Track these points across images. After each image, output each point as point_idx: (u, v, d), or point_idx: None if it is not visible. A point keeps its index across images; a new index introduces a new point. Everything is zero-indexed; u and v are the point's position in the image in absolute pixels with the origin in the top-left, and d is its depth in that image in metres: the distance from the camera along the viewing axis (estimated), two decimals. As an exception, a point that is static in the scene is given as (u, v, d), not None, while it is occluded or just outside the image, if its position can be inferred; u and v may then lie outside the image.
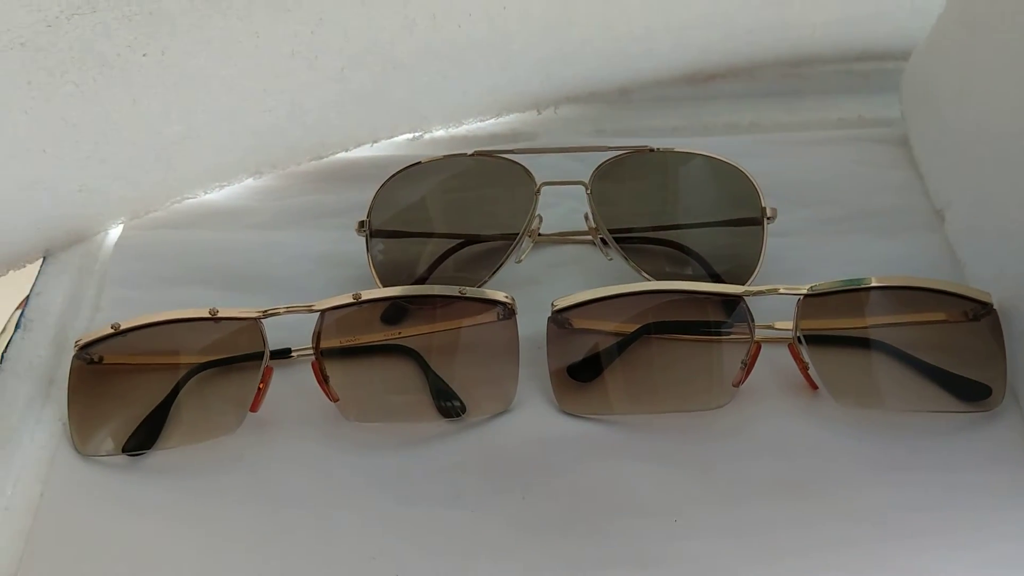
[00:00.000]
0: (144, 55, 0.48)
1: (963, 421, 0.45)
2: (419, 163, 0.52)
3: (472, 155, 0.52)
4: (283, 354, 0.49)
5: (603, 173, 0.51)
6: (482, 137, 0.61)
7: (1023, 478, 0.43)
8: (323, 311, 0.46)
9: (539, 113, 0.61)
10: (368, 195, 0.55)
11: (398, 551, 0.41)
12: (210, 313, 0.47)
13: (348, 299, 0.46)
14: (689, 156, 0.52)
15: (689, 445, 0.45)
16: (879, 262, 0.52)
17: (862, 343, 0.47)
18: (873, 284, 0.46)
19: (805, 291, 0.46)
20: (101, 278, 0.54)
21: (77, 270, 0.53)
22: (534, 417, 0.46)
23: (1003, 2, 0.50)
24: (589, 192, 0.51)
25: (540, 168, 0.53)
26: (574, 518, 0.42)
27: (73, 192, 0.51)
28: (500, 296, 0.47)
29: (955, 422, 0.45)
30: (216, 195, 0.57)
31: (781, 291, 0.46)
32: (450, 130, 0.60)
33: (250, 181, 0.57)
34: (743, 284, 0.50)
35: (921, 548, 0.40)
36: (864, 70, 0.63)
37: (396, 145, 0.60)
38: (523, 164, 0.51)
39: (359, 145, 0.58)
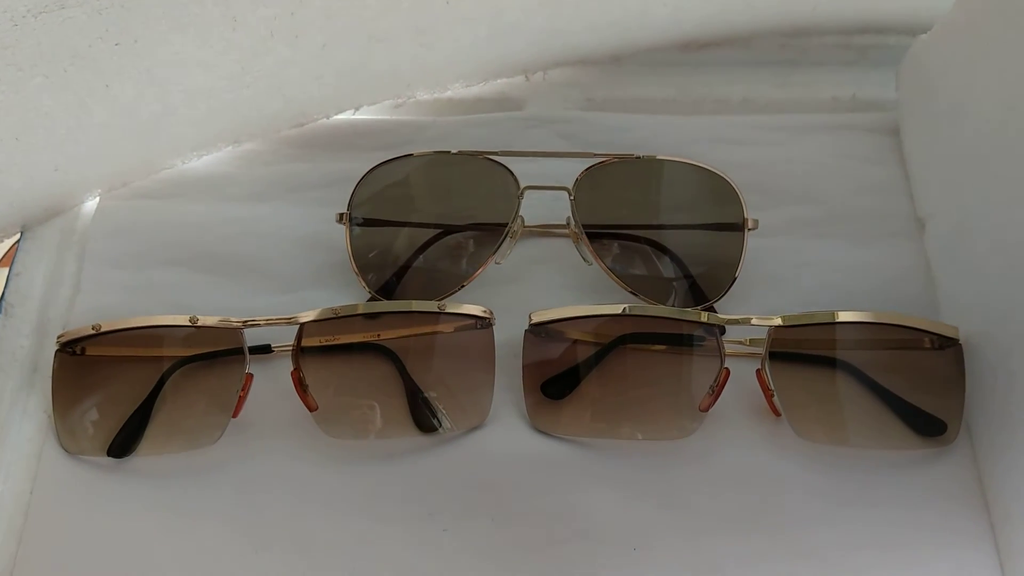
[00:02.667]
0: (116, 44, 0.46)
1: (918, 456, 0.47)
2: (401, 157, 0.51)
3: (456, 154, 0.51)
4: (263, 350, 0.50)
5: (587, 178, 0.50)
6: (468, 101, 0.59)
7: (968, 517, 0.45)
8: (303, 324, 0.47)
9: (527, 79, 0.59)
10: (349, 166, 0.55)
11: (373, 570, 0.44)
12: (190, 321, 0.47)
13: (328, 313, 0.47)
14: (674, 164, 0.51)
15: (654, 471, 0.46)
16: (856, 271, 0.53)
17: (828, 369, 0.48)
18: (843, 320, 0.47)
19: (776, 322, 0.47)
20: (80, 253, 0.53)
21: (56, 246, 0.53)
22: (507, 434, 0.47)
23: (1011, 10, 0.49)
24: (572, 198, 0.50)
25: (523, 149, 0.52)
26: (538, 543, 0.44)
27: (48, 173, 0.50)
28: (478, 311, 0.48)
29: (911, 456, 0.47)
30: (195, 164, 0.56)
31: (753, 322, 0.47)
32: (435, 95, 0.58)
33: (230, 148, 0.56)
34: (719, 289, 0.51)
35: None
36: (863, 44, 0.61)
37: (379, 110, 0.58)
38: (507, 167, 0.50)
39: (341, 111, 0.57)
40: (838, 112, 0.60)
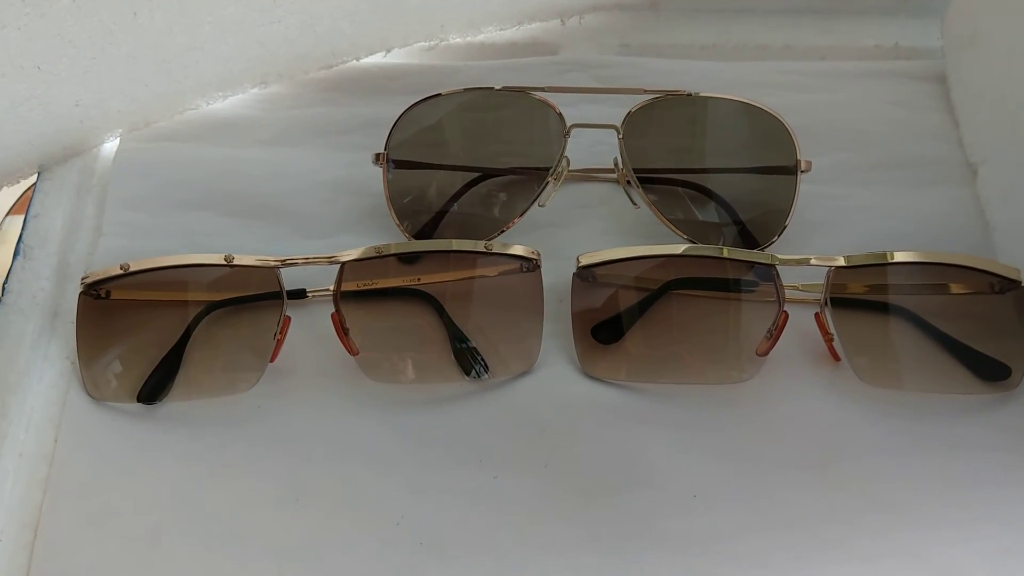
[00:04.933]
0: (147, -33, 0.44)
1: (983, 400, 0.45)
2: (439, 95, 0.49)
3: (500, 90, 0.48)
4: (298, 295, 0.48)
5: (636, 117, 0.48)
6: (501, 45, 0.57)
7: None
8: (344, 263, 0.45)
9: (563, 23, 0.57)
10: (381, 109, 0.53)
11: (422, 517, 0.42)
12: (225, 260, 0.45)
13: (371, 252, 0.44)
14: (726, 102, 0.49)
15: (711, 416, 0.44)
16: (908, 217, 0.51)
17: (888, 314, 0.46)
18: (904, 259, 0.45)
19: (839, 262, 0.45)
20: (101, 196, 0.51)
21: (75, 188, 0.50)
22: (557, 379, 0.45)
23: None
24: (621, 137, 0.48)
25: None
26: (594, 489, 0.42)
27: (69, 107, 0.48)
28: (526, 252, 0.46)
29: (975, 401, 0.45)
30: (219, 105, 0.53)
31: (813, 262, 0.45)
32: (468, 38, 0.56)
33: (255, 90, 0.54)
34: (771, 235, 0.49)
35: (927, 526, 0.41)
36: (905, -8, 0.60)
37: (410, 53, 0.56)
38: (553, 104, 0.48)
39: (371, 54, 0.54)
40: (881, 59, 0.58)
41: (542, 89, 0.48)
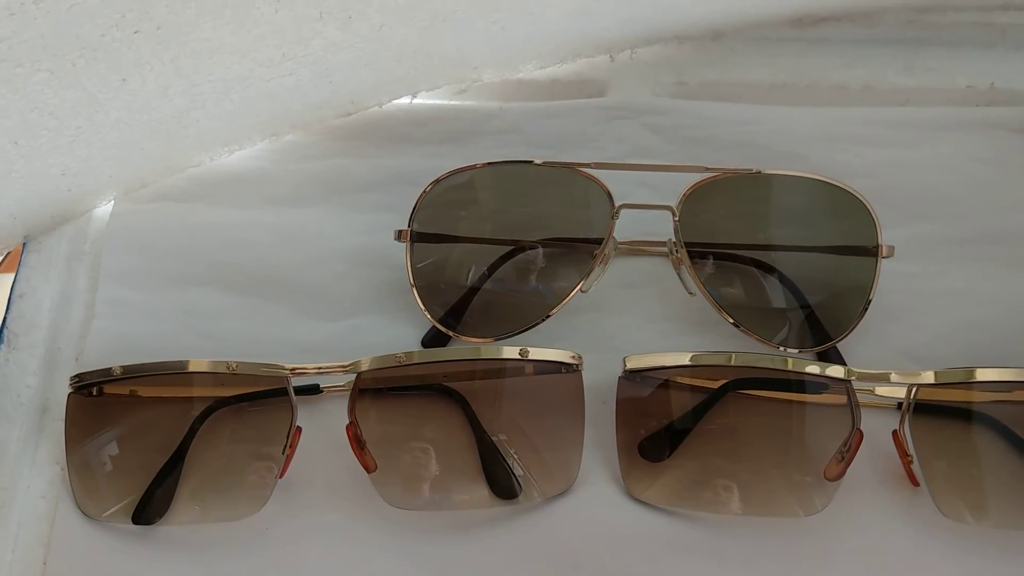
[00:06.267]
0: (136, 32, 0.38)
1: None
2: (473, 167, 0.43)
3: (540, 165, 0.43)
4: (311, 391, 0.43)
5: (695, 195, 0.42)
6: (542, 83, 0.51)
7: None
8: (360, 374, 0.40)
9: (612, 59, 0.51)
10: (405, 161, 0.48)
11: (442, 668, 0.38)
12: (228, 368, 0.40)
13: (390, 361, 0.40)
14: (797, 180, 0.43)
15: (774, 551, 0.39)
16: (1002, 304, 0.45)
17: (977, 435, 0.41)
18: (1002, 379, 0.39)
19: (925, 380, 0.40)
20: (94, 266, 0.46)
21: (64, 259, 0.45)
22: (598, 503, 0.40)
23: None
24: (676, 219, 0.42)
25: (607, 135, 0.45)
26: (637, 639, 0.38)
27: (54, 178, 0.42)
28: (566, 356, 0.40)
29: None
30: (227, 159, 0.48)
31: (893, 379, 0.40)
32: (504, 75, 0.50)
33: (266, 142, 0.48)
34: (842, 326, 0.44)
35: None
36: (1004, 22, 0.52)
37: (439, 94, 0.50)
38: (600, 182, 0.42)
39: (395, 98, 0.48)
40: (974, 104, 0.51)
41: (588, 165, 0.42)
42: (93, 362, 0.43)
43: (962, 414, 0.41)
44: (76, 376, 0.41)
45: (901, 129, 0.50)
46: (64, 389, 0.42)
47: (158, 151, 0.44)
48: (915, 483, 0.41)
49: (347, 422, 0.40)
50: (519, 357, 0.40)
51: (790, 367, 0.40)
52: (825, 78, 0.51)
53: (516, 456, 0.41)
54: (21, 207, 0.42)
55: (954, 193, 0.48)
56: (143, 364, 0.40)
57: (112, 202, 0.46)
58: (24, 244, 0.45)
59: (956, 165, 0.49)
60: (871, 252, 0.43)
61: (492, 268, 0.45)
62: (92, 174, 0.43)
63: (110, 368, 0.40)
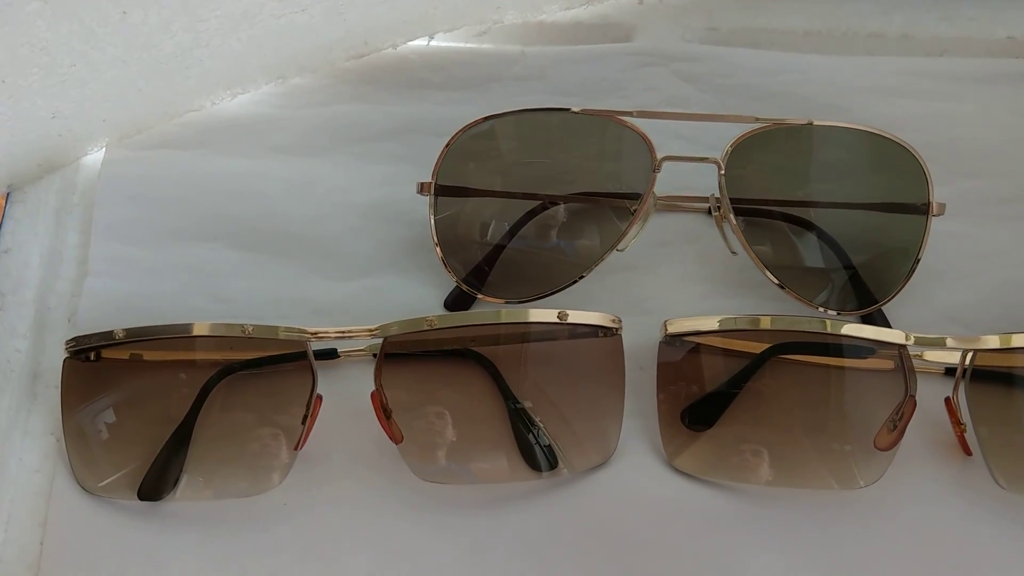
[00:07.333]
0: (138, -41, 0.34)
1: None
2: (505, 114, 0.40)
3: (577, 112, 0.39)
4: (328, 355, 0.40)
5: (741, 148, 0.40)
6: (564, 27, 0.48)
7: None
8: (387, 339, 0.37)
9: (640, 2, 0.47)
10: (421, 108, 0.45)
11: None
12: (243, 332, 0.37)
13: (420, 324, 0.37)
14: (849, 132, 0.40)
15: (822, 524, 0.37)
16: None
17: (1031, 400, 0.39)
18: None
19: (980, 346, 0.38)
20: (84, 219, 0.42)
21: (53, 212, 0.41)
22: (638, 475, 0.38)
23: None
24: (722, 173, 0.40)
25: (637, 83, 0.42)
26: (679, 612, 0.36)
27: (43, 120, 0.38)
28: (606, 320, 0.38)
29: None
30: (228, 104, 0.44)
31: (949, 344, 0.38)
32: (526, 16, 0.46)
33: (272, 85, 0.44)
34: (888, 287, 0.41)
35: None
36: (1048, -30, 0.50)
37: (457, 36, 0.46)
38: (641, 132, 0.39)
39: (411, 40, 0.45)
40: (1014, 56, 0.49)
41: (629, 114, 0.39)
42: (88, 324, 0.40)
43: (1020, 381, 0.39)
44: (72, 340, 0.37)
45: (942, 81, 0.47)
46: (57, 353, 0.38)
47: (157, 93, 0.40)
48: (968, 452, 0.39)
49: (371, 389, 0.37)
50: (558, 321, 0.38)
51: (843, 331, 0.38)
52: (862, 25, 0.49)
53: (551, 426, 0.38)
54: (5, 152, 0.39)
55: (1000, 148, 0.46)
56: (148, 327, 0.37)
57: (103, 149, 0.42)
58: (7, 194, 0.41)
59: (1002, 118, 0.46)
60: (921, 210, 0.41)
61: (520, 224, 0.42)
62: (84, 117, 0.39)
63: (111, 331, 0.37)
